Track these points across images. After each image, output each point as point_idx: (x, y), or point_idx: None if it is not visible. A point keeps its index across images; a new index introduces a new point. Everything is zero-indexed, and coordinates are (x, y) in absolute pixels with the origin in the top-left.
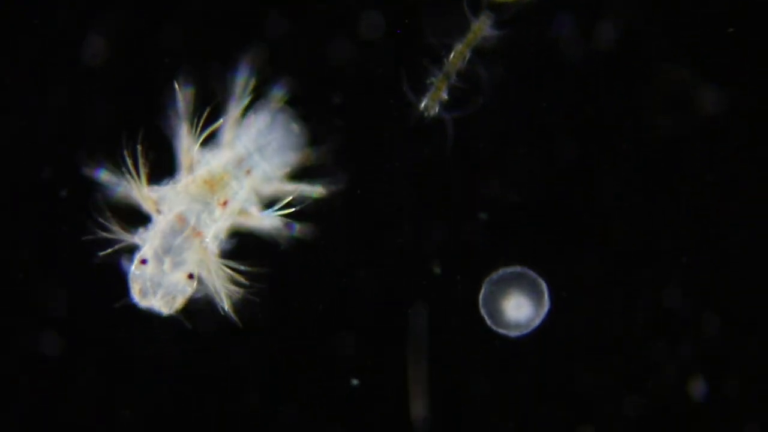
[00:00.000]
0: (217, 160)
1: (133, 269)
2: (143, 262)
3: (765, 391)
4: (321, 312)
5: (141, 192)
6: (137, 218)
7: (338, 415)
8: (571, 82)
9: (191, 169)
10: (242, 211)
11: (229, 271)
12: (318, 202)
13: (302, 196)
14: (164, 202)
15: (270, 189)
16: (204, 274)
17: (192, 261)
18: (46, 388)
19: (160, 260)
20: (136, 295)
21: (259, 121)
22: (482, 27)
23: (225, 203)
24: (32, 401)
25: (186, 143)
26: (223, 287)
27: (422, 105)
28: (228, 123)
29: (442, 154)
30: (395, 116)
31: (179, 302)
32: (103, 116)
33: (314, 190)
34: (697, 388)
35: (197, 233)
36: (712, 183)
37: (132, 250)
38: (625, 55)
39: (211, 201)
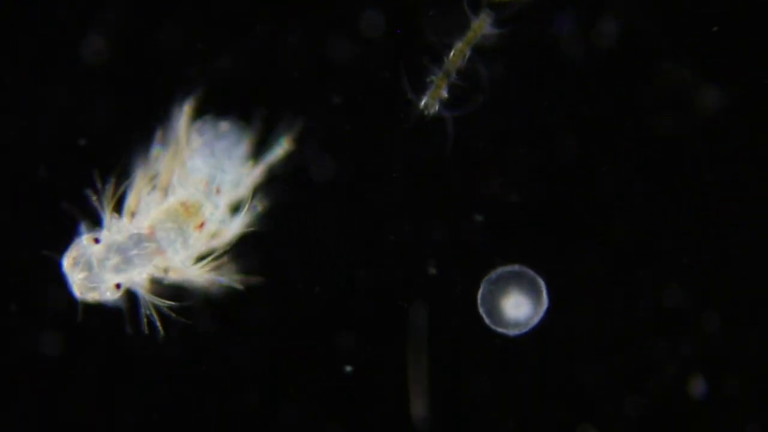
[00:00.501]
0: (185, 188)
1: (83, 239)
2: (96, 240)
3: (765, 390)
4: (320, 311)
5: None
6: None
7: (338, 414)
8: (571, 80)
9: (166, 191)
10: (216, 233)
11: (162, 303)
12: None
13: (272, 166)
14: (143, 209)
15: (243, 189)
16: (141, 293)
17: (131, 277)
18: (46, 388)
19: (108, 253)
20: (66, 259)
21: (206, 140)
22: (482, 25)
23: (201, 225)
24: (31, 401)
25: (168, 165)
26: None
27: (422, 103)
28: (177, 156)
29: (442, 152)
30: (396, 115)
31: (91, 297)
32: (102, 116)
33: (278, 153)
34: (698, 387)
35: (160, 252)
36: (712, 182)
37: (96, 224)
38: (625, 54)
39: (185, 226)
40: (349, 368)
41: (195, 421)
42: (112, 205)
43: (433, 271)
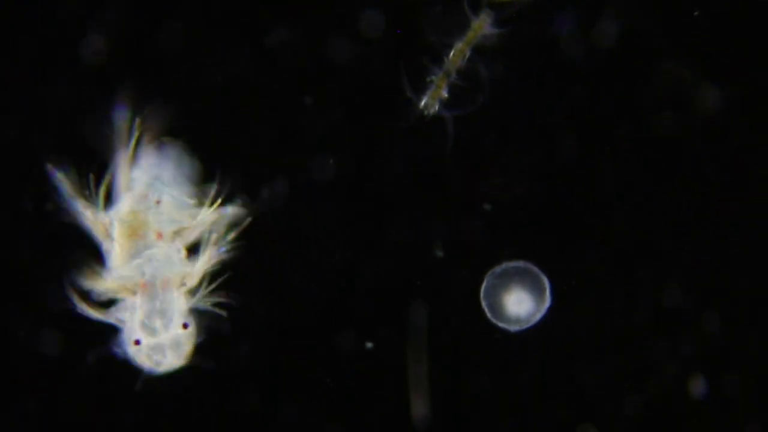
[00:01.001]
0: (123, 208)
1: (132, 352)
2: (137, 342)
3: (765, 390)
4: (321, 310)
5: (105, 283)
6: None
7: (338, 414)
8: (572, 80)
9: (108, 233)
10: (179, 230)
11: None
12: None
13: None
14: (121, 279)
15: (186, 214)
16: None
17: (178, 312)
18: (45, 387)
19: (151, 329)
20: (150, 367)
21: (148, 154)
22: (482, 25)
23: (159, 235)
24: (30, 401)
25: (90, 214)
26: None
27: (422, 103)
28: (119, 170)
29: (442, 152)
30: (395, 115)
31: (188, 350)
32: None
33: (230, 213)
34: (698, 387)
35: (165, 282)
36: (713, 182)
37: (113, 329)
38: (625, 54)
39: (148, 245)
40: (369, 344)
41: (195, 422)
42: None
43: (437, 266)
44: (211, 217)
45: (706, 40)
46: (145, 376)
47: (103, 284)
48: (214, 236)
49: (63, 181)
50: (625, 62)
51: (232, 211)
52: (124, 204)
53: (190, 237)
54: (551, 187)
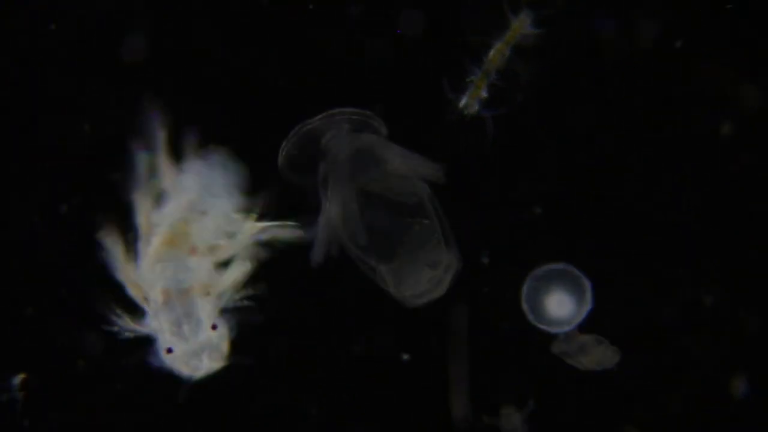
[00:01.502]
0: (169, 214)
1: (167, 360)
2: (169, 351)
3: None
4: (358, 313)
5: (128, 279)
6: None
7: (378, 413)
8: (612, 79)
9: (150, 235)
10: (215, 247)
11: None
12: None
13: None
14: (144, 283)
15: (227, 232)
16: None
17: (205, 315)
18: (85, 393)
19: (181, 336)
20: (188, 373)
21: (194, 161)
22: (522, 25)
23: (193, 249)
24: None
25: (143, 211)
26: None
27: (462, 103)
28: (166, 173)
29: (481, 152)
30: (435, 115)
31: (224, 351)
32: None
33: (285, 230)
34: (738, 386)
35: (187, 291)
36: (756, 180)
37: (148, 339)
38: (665, 53)
39: (180, 257)
40: (406, 356)
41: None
42: (141, 297)
43: (482, 264)
44: (250, 237)
45: (745, 38)
46: (186, 384)
47: (129, 280)
48: (247, 254)
49: (130, 174)
50: (664, 61)
51: (274, 230)
52: (173, 209)
53: (223, 255)
54: (591, 187)
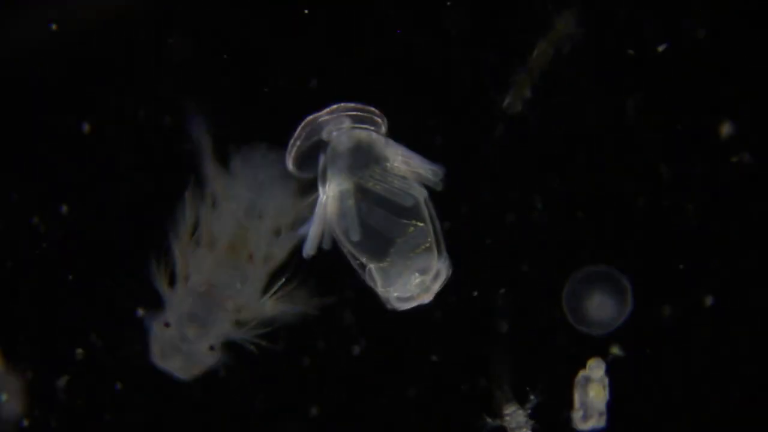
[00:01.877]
0: (225, 219)
1: (155, 329)
2: (166, 324)
3: None
4: (400, 318)
5: (183, 253)
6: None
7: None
8: (656, 79)
9: (209, 238)
10: (270, 255)
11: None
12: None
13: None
14: (193, 268)
15: (290, 220)
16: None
17: (216, 334)
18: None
19: (183, 327)
20: (156, 354)
21: (239, 161)
22: (566, 25)
23: (251, 256)
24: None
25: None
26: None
27: (506, 103)
28: (215, 178)
29: (524, 152)
30: (479, 114)
31: (197, 370)
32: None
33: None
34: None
35: (225, 300)
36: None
37: (157, 305)
38: (709, 54)
39: (238, 264)
40: (435, 358)
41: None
42: (165, 279)
43: (524, 269)
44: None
45: None
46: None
47: (183, 253)
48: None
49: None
50: (710, 62)
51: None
52: (229, 215)
53: (274, 266)
54: (634, 187)
